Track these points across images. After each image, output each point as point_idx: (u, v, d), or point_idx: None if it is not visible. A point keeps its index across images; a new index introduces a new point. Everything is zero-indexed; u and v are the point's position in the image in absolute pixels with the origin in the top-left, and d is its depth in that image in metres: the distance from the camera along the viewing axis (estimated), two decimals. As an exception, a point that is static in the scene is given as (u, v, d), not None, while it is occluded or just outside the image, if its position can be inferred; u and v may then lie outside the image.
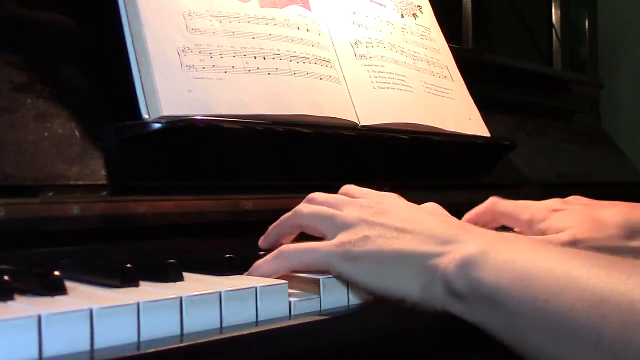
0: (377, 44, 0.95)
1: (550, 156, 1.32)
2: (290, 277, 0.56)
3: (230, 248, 0.71)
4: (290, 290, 0.53)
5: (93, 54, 0.76)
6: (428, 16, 1.09)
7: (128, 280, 0.50)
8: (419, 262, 0.53)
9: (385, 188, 0.67)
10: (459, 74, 1.08)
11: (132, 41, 0.72)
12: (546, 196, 0.86)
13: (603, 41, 1.84)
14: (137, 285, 0.50)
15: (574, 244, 0.74)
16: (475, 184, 1.08)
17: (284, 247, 0.58)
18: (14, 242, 0.63)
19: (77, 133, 0.69)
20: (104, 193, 0.68)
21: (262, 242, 0.67)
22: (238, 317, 0.48)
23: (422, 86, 0.98)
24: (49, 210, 0.64)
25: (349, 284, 0.55)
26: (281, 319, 0.50)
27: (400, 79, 0.95)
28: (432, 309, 0.52)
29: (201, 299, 0.46)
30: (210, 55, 0.75)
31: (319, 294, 0.53)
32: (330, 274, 0.56)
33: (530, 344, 0.47)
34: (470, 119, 1.04)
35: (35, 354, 0.39)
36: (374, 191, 0.65)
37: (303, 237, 0.64)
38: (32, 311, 0.40)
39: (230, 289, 0.48)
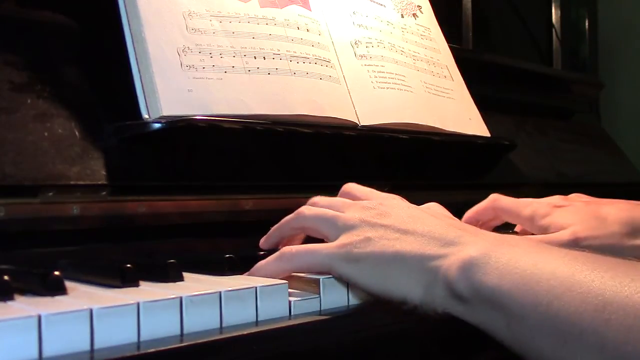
0: (377, 44, 0.95)
1: (550, 156, 1.32)
2: (290, 277, 0.56)
3: (230, 248, 0.71)
4: (290, 290, 0.53)
5: (93, 54, 0.76)
6: (428, 16, 1.09)
7: (128, 280, 0.50)
8: (421, 263, 0.53)
9: (385, 188, 0.67)
10: (459, 74, 1.08)
11: (132, 41, 0.72)
12: (546, 196, 0.86)
13: (603, 41, 1.84)
14: (137, 285, 0.50)
15: (575, 241, 0.74)
16: (475, 184, 1.08)
17: (286, 249, 0.58)
18: (14, 242, 0.63)
19: (77, 133, 0.69)
20: (104, 193, 0.68)
21: (263, 242, 0.67)
22: (238, 317, 0.48)
23: (422, 86, 0.98)
24: (49, 210, 0.64)
25: (348, 283, 0.55)
26: (281, 319, 0.50)
27: (400, 79, 0.95)
28: (434, 311, 0.52)
29: (201, 299, 0.46)
30: (210, 55, 0.75)
31: (319, 294, 0.53)
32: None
33: (532, 347, 0.47)
34: (470, 119, 1.04)
35: (35, 354, 0.39)
36: (376, 191, 0.64)
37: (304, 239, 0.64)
38: (32, 311, 0.40)
39: (230, 289, 0.48)
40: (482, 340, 0.51)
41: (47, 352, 0.39)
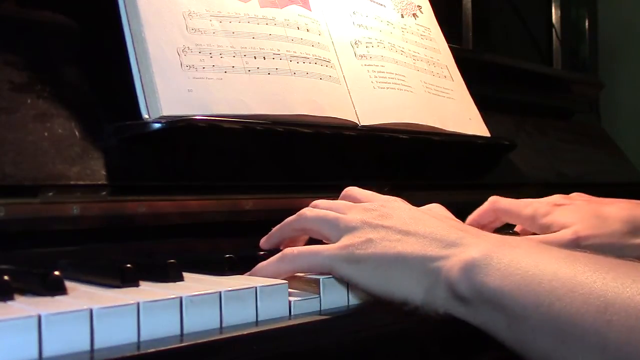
0: (377, 44, 0.95)
1: (550, 156, 1.32)
2: (290, 277, 0.56)
3: (230, 248, 0.71)
4: (290, 290, 0.53)
5: (93, 54, 0.76)
6: (428, 16, 1.09)
7: (128, 280, 0.50)
8: (422, 265, 0.53)
9: (385, 188, 0.67)
10: (459, 74, 1.08)
11: (132, 41, 0.72)
12: (546, 196, 0.86)
13: (603, 41, 1.84)
14: (137, 285, 0.50)
15: (577, 240, 0.74)
16: (475, 184, 1.08)
17: (287, 250, 0.58)
18: (14, 242, 0.63)
19: (77, 133, 0.69)
20: (104, 193, 0.68)
21: (264, 242, 0.67)
22: (238, 317, 0.48)
23: (422, 86, 0.98)
24: (49, 210, 0.64)
25: (348, 283, 0.55)
26: (281, 319, 0.50)
27: (400, 79, 0.95)
28: (435, 312, 0.52)
29: (201, 299, 0.46)
30: (210, 55, 0.75)
31: (319, 294, 0.53)
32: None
33: (534, 348, 0.47)
34: (470, 119, 1.04)
35: (35, 354, 0.39)
36: (377, 194, 0.65)
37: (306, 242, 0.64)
38: (32, 311, 0.40)
39: (230, 289, 0.48)
40: (483, 340, 0.51)
41: (47, 352, 0.39)
